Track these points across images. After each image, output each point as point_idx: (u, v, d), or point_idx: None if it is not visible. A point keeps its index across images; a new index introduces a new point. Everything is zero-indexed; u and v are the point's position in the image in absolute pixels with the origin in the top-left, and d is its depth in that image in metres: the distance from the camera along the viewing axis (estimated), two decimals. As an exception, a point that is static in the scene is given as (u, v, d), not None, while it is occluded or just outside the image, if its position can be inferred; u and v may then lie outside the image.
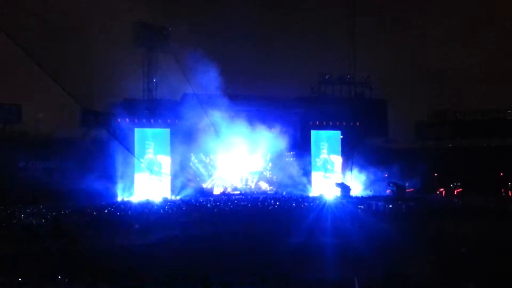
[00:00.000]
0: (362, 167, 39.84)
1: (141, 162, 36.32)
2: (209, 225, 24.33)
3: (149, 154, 37.39)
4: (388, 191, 37.83)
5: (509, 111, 48.19)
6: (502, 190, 37.89)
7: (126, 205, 31.42)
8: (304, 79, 47.80)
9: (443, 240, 19.15)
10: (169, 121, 38.15)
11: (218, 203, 32.21)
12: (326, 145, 42.08)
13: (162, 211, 28.14)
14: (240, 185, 41.69)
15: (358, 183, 39.95)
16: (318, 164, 41.62)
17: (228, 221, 25.40)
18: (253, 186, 42.03)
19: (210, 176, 41.16)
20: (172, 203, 32.18)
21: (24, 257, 16.50)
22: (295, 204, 32.10)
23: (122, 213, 27.26)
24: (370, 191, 38.82)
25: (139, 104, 39.49)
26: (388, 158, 40.14)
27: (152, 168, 36.82)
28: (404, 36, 53.89)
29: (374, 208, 29.89)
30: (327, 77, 45.93)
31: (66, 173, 34.44)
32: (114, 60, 36.08)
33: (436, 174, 40.70)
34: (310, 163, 41.39)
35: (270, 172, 42.55)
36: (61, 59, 32.66)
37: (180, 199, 35.27)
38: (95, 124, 37.72)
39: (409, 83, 50.74)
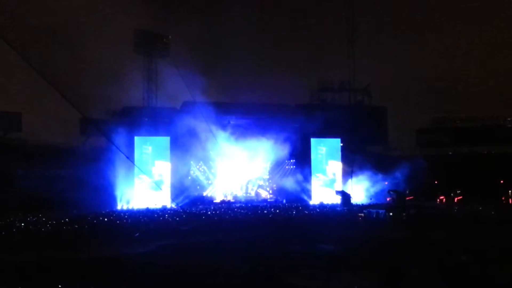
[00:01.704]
0: (362, 175, 39.76)
1: (142, 171, 36.18)
2: (209, 233, 24.22)
3: (151, 165, 37.30)
4: (388, 199, 37.70)
5: (509, 119, 48.24)
6: (503, 198, 37.73)
7: (126, 213, 31.32)
8: (304, 87, 47.96)
9: (443, 248, 19.03)
10: (169, 129, 38.07)
11: (218, 211, 32.10)
12: (326, 150, 41.80)
13: (162, 219, 28.02)
14: (240, 193, 41.60)
15: (358, 191, 39.81)
16: (318, 172, 41.38)
17: (228, 229, 25.29)
18: (253, 194, 41.94)
19: (210, 184, 41.10)
20: (172, 211, 32.05)
21: (24, 266, 16.40)
22: (295, 212, 31.97)
23: (122, 221, 27.14)
24: (370, 198, 38.69)
25: (139, 112, 39.52)
26: (388, 165, 40.02)
27: (154, 178, 36.73)
28: (404, 44, 54.23)
29: (374, 216, 29.75)
30: (326, 84, 46.08)
31: (66, 181, 34.39)
32: (114, 68, 36.21)
33: (436, 182, 40.59)
34: (310, 170, 41.23)
35: (270, 180, 42.48)
36: (61, 67, 32.75)
37: (180, 207, 35.11)
38: (94, 132, 37.75)
39: (409, 90, 50.86)
